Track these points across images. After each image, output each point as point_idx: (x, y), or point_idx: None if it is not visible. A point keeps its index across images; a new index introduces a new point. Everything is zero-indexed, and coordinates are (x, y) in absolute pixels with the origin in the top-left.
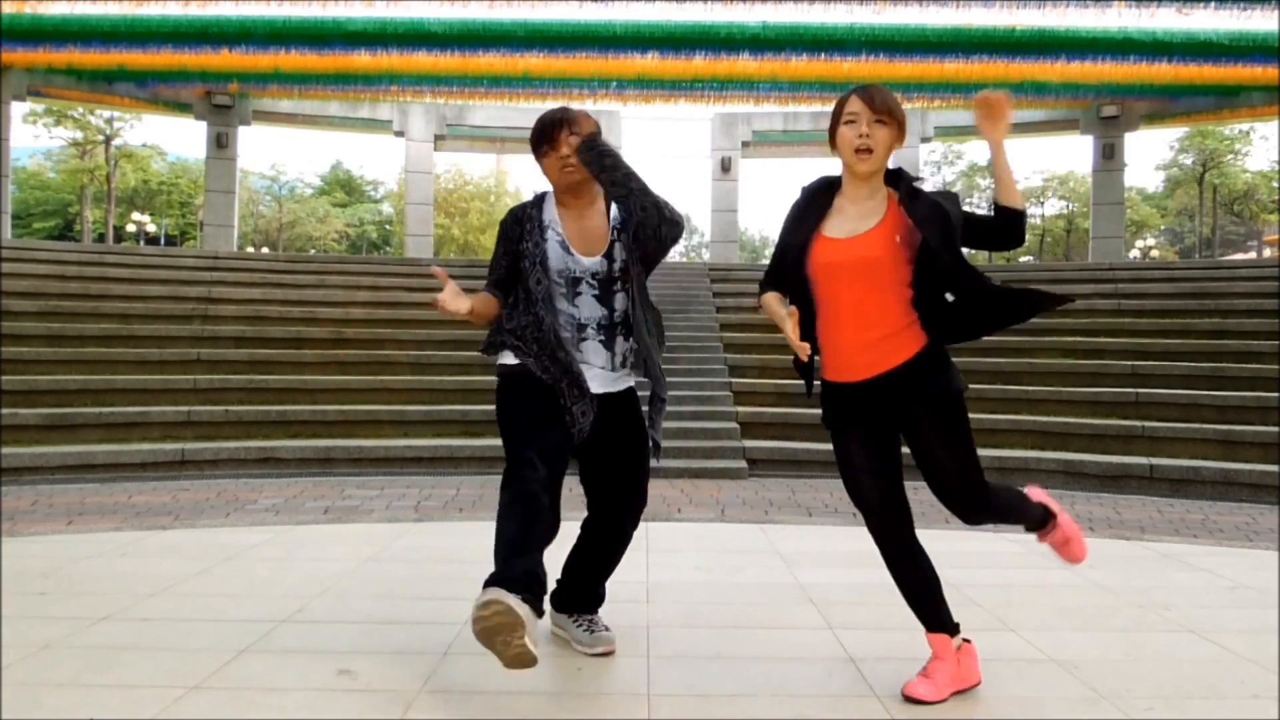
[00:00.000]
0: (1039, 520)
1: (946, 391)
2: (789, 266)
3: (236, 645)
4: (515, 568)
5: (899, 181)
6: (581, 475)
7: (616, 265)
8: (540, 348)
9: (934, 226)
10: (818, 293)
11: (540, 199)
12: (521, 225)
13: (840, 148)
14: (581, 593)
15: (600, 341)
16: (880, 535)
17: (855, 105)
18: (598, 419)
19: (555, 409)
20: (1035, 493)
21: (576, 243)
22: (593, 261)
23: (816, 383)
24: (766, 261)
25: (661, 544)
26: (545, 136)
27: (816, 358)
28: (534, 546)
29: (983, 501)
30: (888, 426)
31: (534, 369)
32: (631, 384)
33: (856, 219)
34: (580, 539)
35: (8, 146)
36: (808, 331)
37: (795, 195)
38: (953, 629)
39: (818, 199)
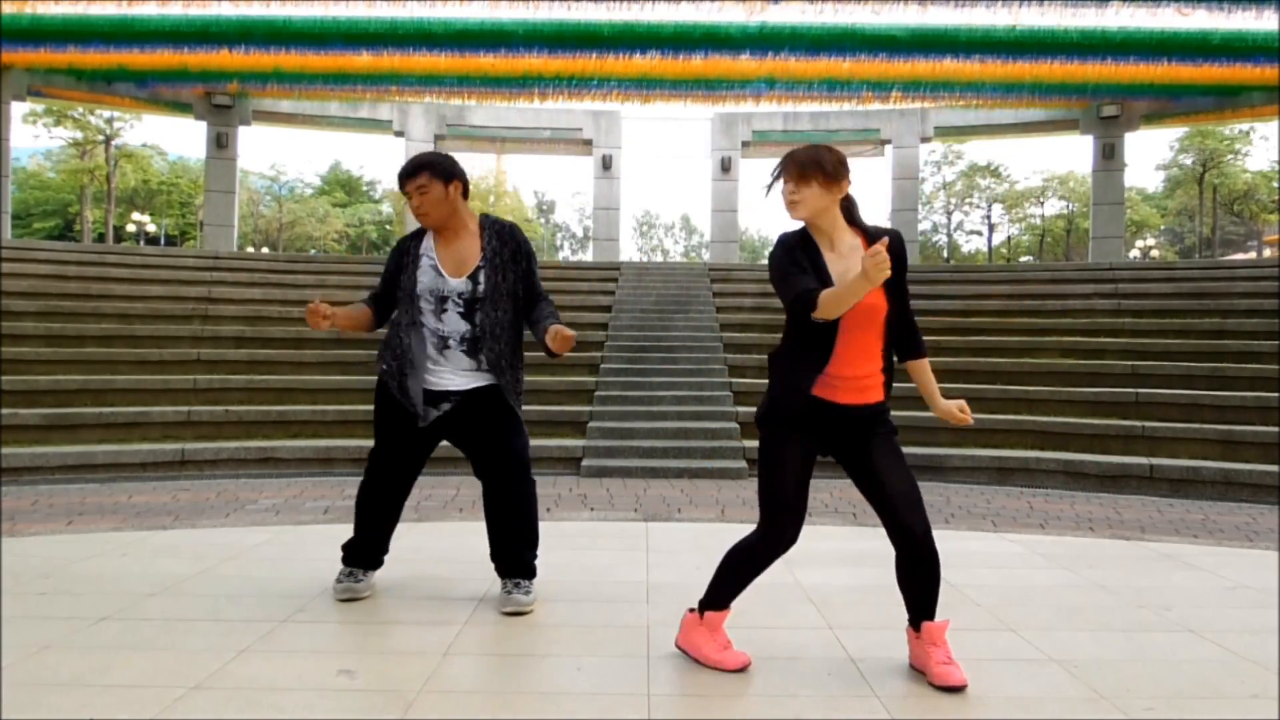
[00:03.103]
0: (932, 610)
1: (891, 425)
2: (806, 311)
3: (236, 645)
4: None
5: (862, 226)
6: (469, 458)
7: (480, 288)
8: (399, 364)
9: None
10: (838, 330)
11: (422, 231)
12: (401, 257)
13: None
14: (505, 559)
15: (463, 351)
16: (784, 535)
17: (786, 169)
18: (462, 409)
19: (403, 418)
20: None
21: (447, 266)
22: (459, 282)
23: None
24: (765, 261)
25: (661, 544)
26: (401, 185)
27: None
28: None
29: (929, 528)
30: (827, 445)
31: (390, 385)
32: (494, 382)
33: (848, 260)
34: (487, 513)
35: (8, 146)
36: (810, 361)
37: (775, 249)
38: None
39: (806, 246)
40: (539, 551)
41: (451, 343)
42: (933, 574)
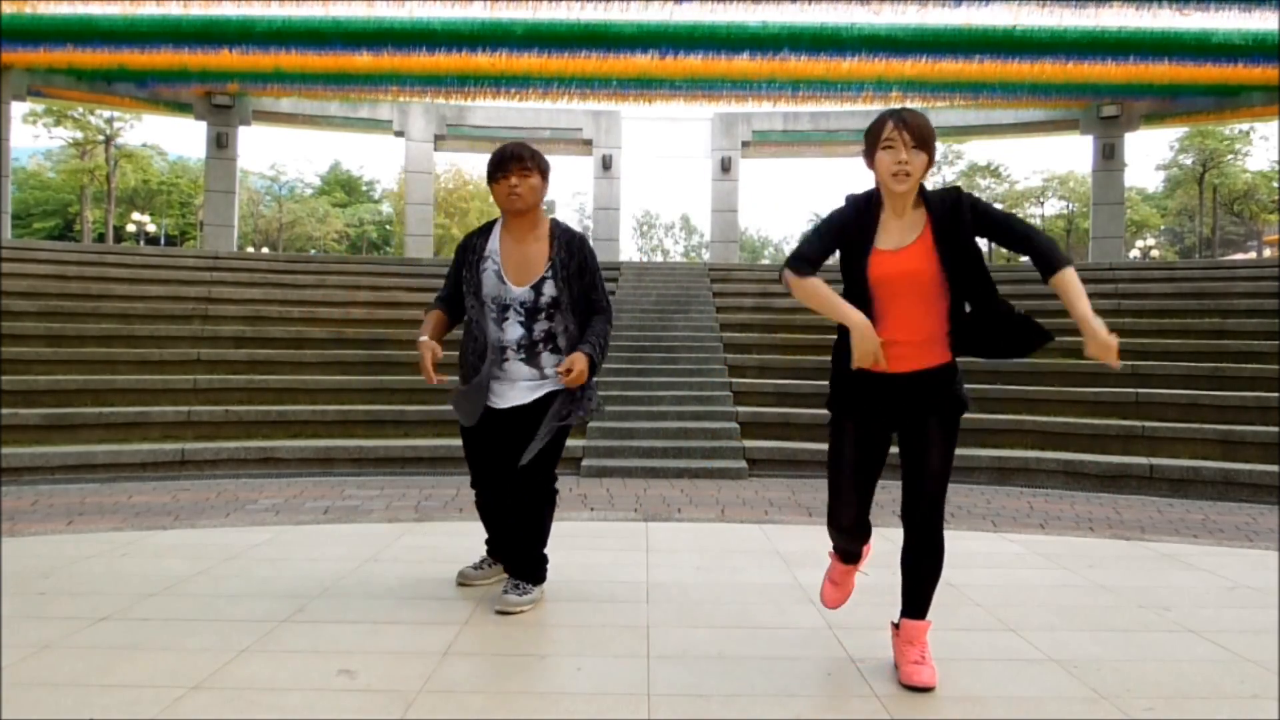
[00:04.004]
0: (921, 607)
1: (959, 400)
2: (848, 276)
3: (236, 645)
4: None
5: (924, 194)
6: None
7: (544, 298)
8: (471, 359)
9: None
10: (874, 300)
11: (489, 227)
12: (467, 254)
13: (878, 169)
14: (508, 555)
15: (521, 360)
16: (838, 518)
17: (892, 132)
18: (517, 422)
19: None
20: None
21: (511, 273)
22: (521, 291)
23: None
24: (767, 262)
25: (661, 544)
26: (500, 168)
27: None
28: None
29: (938, 521)
30: (893, 420)
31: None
32: (555, 389)
33: (901, 233)
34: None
35: (8, 146)
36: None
37: (839, 204)
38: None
39: (865, 212)
40: (546, 556)
41: (509, 352)
42: (929, 571)
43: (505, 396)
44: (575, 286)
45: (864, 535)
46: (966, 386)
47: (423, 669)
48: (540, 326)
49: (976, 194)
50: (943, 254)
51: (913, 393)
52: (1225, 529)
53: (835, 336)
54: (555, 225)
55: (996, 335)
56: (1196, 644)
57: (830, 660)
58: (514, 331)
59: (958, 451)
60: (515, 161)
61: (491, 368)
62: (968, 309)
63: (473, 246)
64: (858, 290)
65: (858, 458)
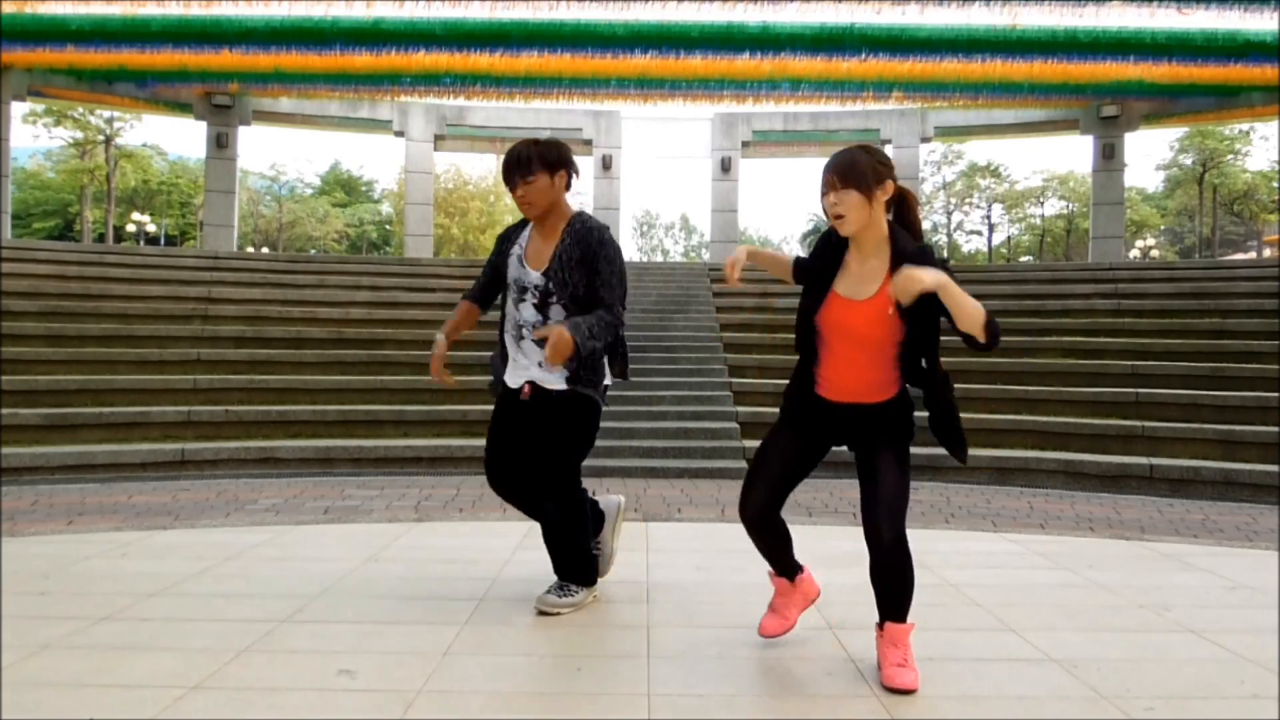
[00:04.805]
0: (899, 612)
1: (908, 430)
2: (801, 311)
3: (236, 645)
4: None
5: (897, 241)
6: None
7: (551, 283)
8: (500, 335)
9: (918, 319)
10: (822, 337)
11: (526, 221)
12: (503, 244)
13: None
14: (550, 553)
15: (535, 343)
16: (744, 501)
17: (824, 178)
18: (535, 406)
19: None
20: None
21: (531, 258)
22: (535, 275)
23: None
24: None
25: (661, 544)
26: (507, 178)
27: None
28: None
29: (901, 535)
30: (833, 440)
31: (493, 368)
32: (564, 387)
33: (860, 280)
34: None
35: (8, 146)
36: (804, 368)
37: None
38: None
39: (833, 249)
40: (594, 558)
41: (525, 332)
42: (899, 580)
43: (515, 376)
44: (576, 276)
45: (771, 536)
46: (966, 386)
47: (423, 669)
48: (555, 313)
49: (976, 194)
50: (895, 316)
51: (858, 422)
52: (1225, 529)
53: None
54: (576, 216)
55: (937, 424)
56: (1196, 644)
57: (830, 660)
58: (529, 314)
59: None
60: (517, 169)
61: (512, 341)
62: (924, 364)
63: (509, 237)
64: (805, 327)
65: (783, 457)
